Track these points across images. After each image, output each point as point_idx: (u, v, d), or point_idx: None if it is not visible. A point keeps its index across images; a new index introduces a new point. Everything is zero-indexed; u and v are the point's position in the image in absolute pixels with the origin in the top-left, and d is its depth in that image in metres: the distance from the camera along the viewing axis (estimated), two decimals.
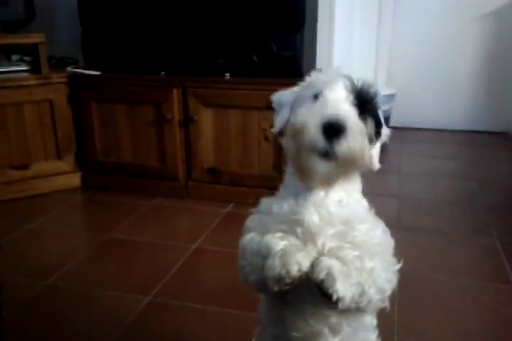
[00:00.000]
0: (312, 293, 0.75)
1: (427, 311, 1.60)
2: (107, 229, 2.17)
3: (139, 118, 2.48)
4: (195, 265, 1.88)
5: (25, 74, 2.49)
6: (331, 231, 0.80)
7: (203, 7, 2.31)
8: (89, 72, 2.51)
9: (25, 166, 2.51)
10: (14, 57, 2.62)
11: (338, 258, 0.75)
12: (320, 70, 2.68)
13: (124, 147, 2.54)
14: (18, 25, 2.75)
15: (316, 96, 0.79)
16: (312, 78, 0.87)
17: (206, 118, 2.38)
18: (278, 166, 2.29)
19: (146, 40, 2.43)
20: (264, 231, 0.82)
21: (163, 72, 2.44)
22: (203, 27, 2.34)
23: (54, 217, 2.32)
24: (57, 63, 2.77)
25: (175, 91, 2.38)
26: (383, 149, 0.89)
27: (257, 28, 2.28)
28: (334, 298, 0.72)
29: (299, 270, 0.74)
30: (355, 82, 0.79)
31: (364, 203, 0.87)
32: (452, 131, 3.92)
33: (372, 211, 0.88)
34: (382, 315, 0.94)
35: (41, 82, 2.46)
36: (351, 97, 0.78)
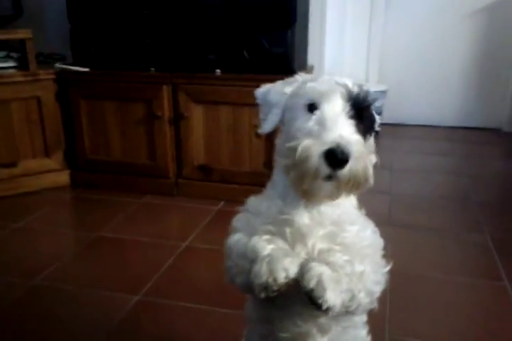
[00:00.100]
0: (300, 295, 0.73)
1: (419, 309, 1.59)
2: (96, 227, 2.15)
3: (128, 116, 2.45)
4: (185, 263, 1.86)
5: (12, 71, 2.46)
6: (321, 232, 0.79)
7: (194, 2, 2.29)
8: (77, 68, 2.48)
9: (13, 164, 2.47)
10: (1, 54, 2.57)
11: (328, 263, 0.74)
12: (312, 68, 2.68)
13: (114, 144, 2.51)
14: (5, 20, 2.71)
15: (310, 106, 0.78)
16: (302, 79, 0.84)
17: (197, 115, 2.36)
18: (269, 163, 2.27)
19: (135, 36, 2.40)
20: (252, 231, 0.81)
21: (153, 69, 2.41)
22: (193, 23, 2.32)
23: (42, 215, 2.29)
24: (46, 59, 2.73)
25: (165, 87, 2.35)
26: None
27: (248, 24, 2.26)
28: (324, 307, 0.71)
29: (286, 277, 0.73)
30: (351, 89, 0.77)
31: (353, 200, 0.86)
32: (444, 128, 3.92)
33: (363, 211, 0.87)
34: (373, 313, 0.92)
35: (29, 78, 2.42)
36: (348, 107, 0.76)
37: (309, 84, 0.80)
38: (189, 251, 1.95)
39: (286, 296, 0.75)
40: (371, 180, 0.75)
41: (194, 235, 2.07)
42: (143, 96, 2.40)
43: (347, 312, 0.78)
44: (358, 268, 0.76)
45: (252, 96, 0.91)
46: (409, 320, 1.53)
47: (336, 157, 0.70)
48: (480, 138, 3.67)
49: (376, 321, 0.95)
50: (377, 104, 3.52)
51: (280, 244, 0.78)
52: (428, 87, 3.91)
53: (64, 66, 2.53)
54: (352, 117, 0.76)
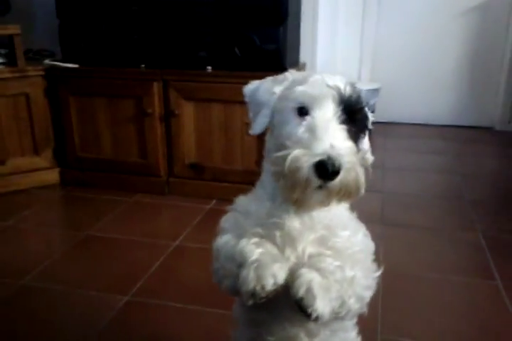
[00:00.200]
0: (289, 299, 0.72)
1: (411, 308, 1.58)
2: (86, 226, 2.12)
3: (118, 113, 2.42)
4: (175, 263, 1.83)
5: (0, 67, 2.41)
6: (312, 236, 0.78)
7: None
8: (66, 64, 2.44)
9: (1, 162, 2.44)
10: None
11: (319, 270, 0.72)
12: (304, 65, 2.66)
13: (104, 142, 2.48)
14: None
15: (300, 110, 0.75)
16: (292, 77, 0.81)
17: (188, 113, 2.33)
18: (261, 162, 2.25)
19: (125, 32, 2.36)
20: (240, 233, 0.79)
21: (143, 65, 2.38)
22: (184, 19, 2.29)
23: (31, 214, 2.26)
24: (35, 56, 2.70)
25: (155, 84, 2.33)
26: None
27: (239, 21, 2.23)
28: (313, 316, 0.69)
29: (275, 284, 0.71)
30: (343, 92, 0.75)
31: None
32: (437, 126, 3.92)
33: (354, 214, 0.86)
34: (365, 313, 0.91)
35: (17, 75, 2.38)
36: (339, 112, 0.74)
37: (299, 88, 0.76)
38: (180, 250, 1.93)
39: (274, 300, 0.73)
40: (362, 190, 0.73)
41: (185, 234, 2.05)
42: (133, 93, 2.37)
43: (336, 317, 0.77)
44: (349, 273, 0.74)
45: None
46: (402, 320, 1.52)
47: (327, 169, 0.68)
48: (472, 137, 3.67)
49: (368, 321, 0.93)
50: (370, 102, 3.52)
51: (269, 247, 0.76)
52: (420, 85, 3.91)
53: (53, 62, 2.49)
54: (344, 122, 0.74)
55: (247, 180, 2.29)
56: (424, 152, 3.31)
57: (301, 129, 0.73)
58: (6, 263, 1.83)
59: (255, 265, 0.72)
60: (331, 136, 0.71)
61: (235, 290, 0.76)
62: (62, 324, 1.49)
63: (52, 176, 2.58)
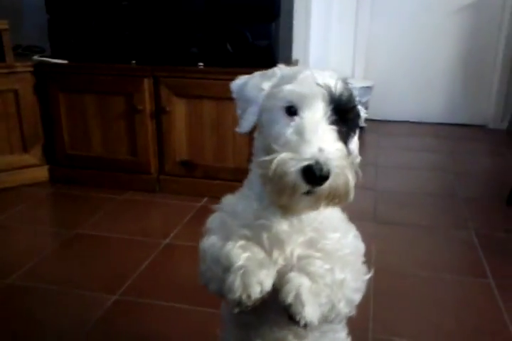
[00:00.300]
0: (276, 303, 0.70)
1: (403, 307, 1.57)
2: (75, 224, 2.09)
3: (108, 109, 2.39)
4: (165, 261, 1.81)
5: None
6: (300, 239, 0.76)
7: None
8: (56, 60, 2.41)
9: None
10: None
11: (308, 273, 0.70)
12: (297, 62, 2.64)
13: (94, 139, 2.45)
14: None
15: (289, 109, 0.72)
16: (281, 72, 0.78)
17: (179, 109, 2.31)
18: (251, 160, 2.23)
19: (115, 28, 2.33)
20: (227, 234, 0.77)
21: (133, 61, 2.35)
22: (175, 14, 2.26)
23: (19, 211, 2.23)
24: (24, 52, 2.66)
25: (146, 80, 2.30)
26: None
27: (231, 17, 2.21)
28: (302, 323, 0.67)
29: (261, 291, 0.69)
30: (334, 91, 0.71)
31: None
32: (430, 124, 3.91)
33: (345, 214, 0.84)
34: (356, 313, 0.89)
35: (5, 71, 2.34)
36: (330, 112, 0.71)
37: (288, 87, 0.73)
38: (170, 248, 1.91)
39: (262, 303, 0.71)
40: (352, 195, 0.70)
41: (176, 232, 2.02)
42: (123, 90, 2.34)
43: (325, 321, 0.75)
44: (339, 276, 0.73)
45: None
46: (394, 318, 1.50)
47: (315, 174, 0.65)
48: (466, 135, 3.67)
49: (359, 320, 0.92)
50: (363, 99, 3.50)
51: (256, 251, 0.74)
52: (414, 83, 3.90)
53: (42, 58, 2.46)
54: (334, 122, 0.71)
55: (239, 178, 2.25)
56: (418, 150, 3.30)
57: (289, 130, 0.70)
58: None
59: (241, 272, 0.70)
60: (319, 138, 0.68)
61: (222, 295, 0.74)
62: (48, 323, 1.46)
63: (42, 173, 2.55)
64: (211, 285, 0.78)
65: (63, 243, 1.96)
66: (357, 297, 0.78)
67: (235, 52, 2.22)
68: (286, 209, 0.74)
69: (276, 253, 0.75)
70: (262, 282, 0.69)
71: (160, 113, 2.33)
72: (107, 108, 2.38)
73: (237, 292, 0.69)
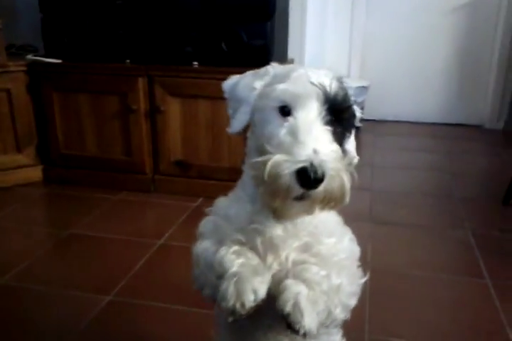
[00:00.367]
0: (270, 309, 0.69)
1: (400, 307, 1.56)
2: (69, 224, 2.08)
3: (103, 109, 2.37)
4: (160, 262, 1.80)
5: None
6: (295, 243, 0.74)
7: None
8: (49, 60, 2.39)
9: None
10: None
11: (305, 280, 0.69)
12: (292, 61, 2.62)
13: (88, 139, 2.43)
14: None
15: (282, 109, 0.70)
16: (274, 71, 0.76)
17: (173, 109, 2.29)
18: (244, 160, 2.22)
19: (109, 27, 2.32)
20: (220, 238, 0.75)
21: (128, 60, 2.33)
22: (169, 13, 2.25)
23: (13, 212, 2.21)
24: (18, 51, 2.64)
25: (140, 80, 2.28)
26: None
27: (226, 16, 2.20)
28: (301, 332, 0.66)
29: (255, 300, 0.67)
30: (328, 91, 0.69)
31: None
32: (426, 124, 3.91)
33: (340, 217, 0.83)
34: (352, 314, 0.88)
35: None
36: (324, 112, 0.68)
37: (281, 86, 0.70)
38: (165, 249, 1.89)
39: (256, 309, 0.70)
40: (348, 198, 0.67)
41: (170, 232, 2.01)
42: (118, 89, 2.32)
43: (321, 327, 0.73)
44: (335, 281, 0.71)
45: None
46: (390, 319, 1.49)
47: (309, 177, 0.62)
48: (462, 135, 3.67)
49: (355, 321, 0.90)
50: (358, 99, 3.49)
51: (250, 256, 0.72)
52: (410, 82, 3.89)
53: (36, 58, 2.44)
54: (329, 122, 0.69)
55: (234, 178, 2.24)
56: (414, 150, 3.29)
57: (282, 131, 0.68)
58: None
59: (235, 279, 0.68)
60: (314, 139, 0.65)
61: (215, 301, 0.73)
62: (42, 324, 1.45)
63: (36, 173, 2.53)
64: (205, 290, 0.76)
65: (57, 243, 1.95)
66: (352, 302, 0.77)
67: (230, 51, 2.21)
68: (279, 215, 0.71)
69: (270, 258, 0.73)
70: (256, 290, 0.67)
71: (154, 112, 2.31)
72: (101, 107, 2.36)
73: (231, 300, 0.67)
